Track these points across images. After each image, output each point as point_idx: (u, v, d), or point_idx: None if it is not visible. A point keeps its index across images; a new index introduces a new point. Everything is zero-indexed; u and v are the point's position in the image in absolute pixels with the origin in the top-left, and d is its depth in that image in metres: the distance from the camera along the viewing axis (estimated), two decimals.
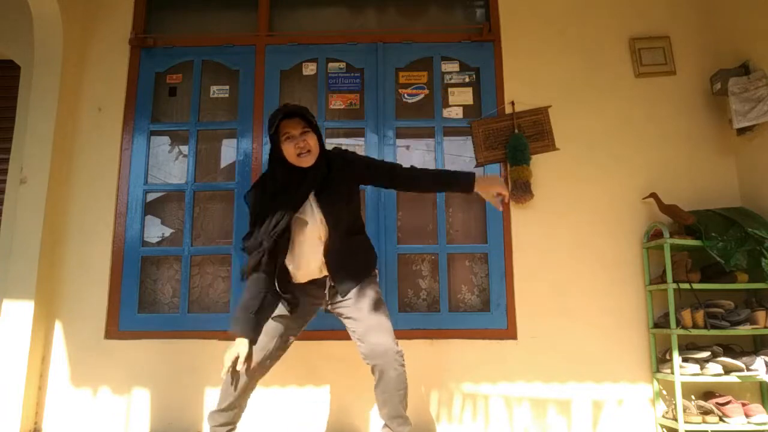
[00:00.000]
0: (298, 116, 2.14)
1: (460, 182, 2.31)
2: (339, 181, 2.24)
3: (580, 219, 3.09)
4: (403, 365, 2.19)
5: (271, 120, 2.16)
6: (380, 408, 2.23)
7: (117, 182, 3.20)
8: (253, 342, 2.14)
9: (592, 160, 3.16)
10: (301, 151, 2.14)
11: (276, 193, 2.21)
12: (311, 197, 2.22)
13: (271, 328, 2.27)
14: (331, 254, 2.24)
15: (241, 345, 2.09)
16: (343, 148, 2.37)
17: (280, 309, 2.29)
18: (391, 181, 2.33)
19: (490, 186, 2.33)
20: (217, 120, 3.38)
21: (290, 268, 2.27)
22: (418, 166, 2.36)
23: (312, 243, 2.23)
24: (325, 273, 2.27)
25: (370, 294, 2.26)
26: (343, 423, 2.88)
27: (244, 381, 2.23)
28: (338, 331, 2.56)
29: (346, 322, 2.29)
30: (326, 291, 2.29)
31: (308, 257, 2.25)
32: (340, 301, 2.28)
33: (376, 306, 2.25)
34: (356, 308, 2.24)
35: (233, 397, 2.26)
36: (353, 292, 2.25)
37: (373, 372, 2.19)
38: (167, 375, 2.95)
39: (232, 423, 2.31)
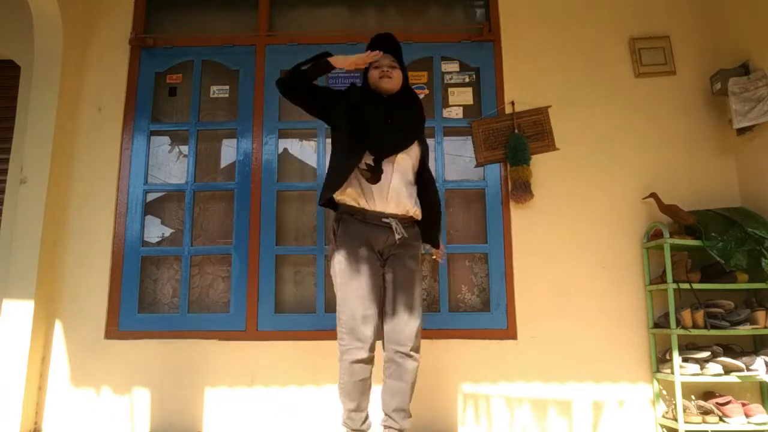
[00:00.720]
0: (391, 52, 2.37)
1: (430, 234, 2.47)
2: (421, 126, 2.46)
3: (580, 219, 3.09)
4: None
5: (368, 46, 2.39)
6: (389, 398, 2.22)
7: (117, 182, 3.20)
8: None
9: (592, 160, 3.16)
10: (383, 74, 2.33)
11: (365, 102, 2.35)
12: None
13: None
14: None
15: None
16: None
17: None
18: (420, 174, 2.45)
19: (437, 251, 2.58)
20: (217, 120, 3.38)
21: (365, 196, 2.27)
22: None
23: (401, 175, 2.30)
24: (402, 210, 2.29)
25: (415, 267, 2.33)
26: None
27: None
28: None
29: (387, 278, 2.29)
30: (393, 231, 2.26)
31: (396, 188, 2.28)
32: (398, 249, 2.29)
33: (416, 284, 2.31)
34: (404, 269, 2.28)
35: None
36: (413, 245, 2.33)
37: (387, 361, 2.23)
38: (167, 375, 2.95)
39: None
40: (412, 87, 2.53)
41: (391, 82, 2.34)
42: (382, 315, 2.25)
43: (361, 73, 2.47)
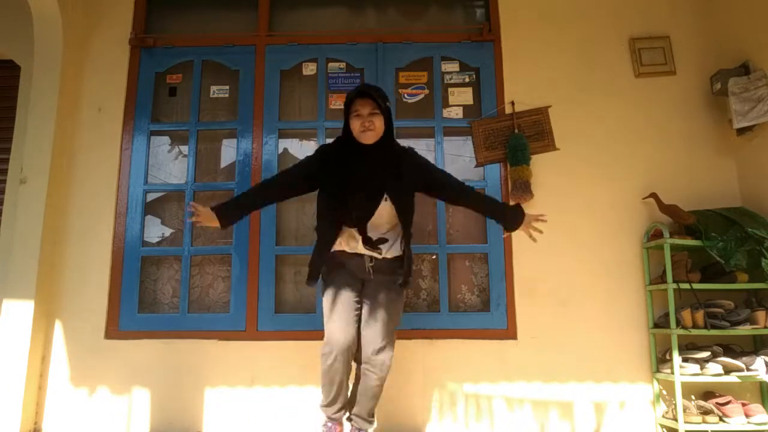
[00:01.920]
0: (369, 97, 2.26)
1: (506, 217, 2.49)
2: (408, 177, 2.36)
3: (580, 219, 3.09)
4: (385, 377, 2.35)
5: (347, 97, 2.31)
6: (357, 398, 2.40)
7: (117, 182, 3.20)
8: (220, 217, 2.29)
9: (591, 160, 3.16)
10: (365, 128, 2.26)
11: (339, 164, 2.33)
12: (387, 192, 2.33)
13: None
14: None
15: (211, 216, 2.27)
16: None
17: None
18: (450, 192, 2.49)
19: (528, 221, 2.50)
20: (217, 120, 3.38)
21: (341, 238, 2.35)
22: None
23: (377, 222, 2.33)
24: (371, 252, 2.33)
25: (394, 297, 2.38)
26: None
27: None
28: None
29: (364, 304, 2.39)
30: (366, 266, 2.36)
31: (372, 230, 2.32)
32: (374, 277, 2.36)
33: (394, 307, 2.38)
34: (376, 295, 2.36)
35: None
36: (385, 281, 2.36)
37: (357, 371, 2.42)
38: (167, 375, 2.95)
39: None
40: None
41: (375, 134, 2.28)
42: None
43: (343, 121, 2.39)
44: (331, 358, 2.26)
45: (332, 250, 2.35)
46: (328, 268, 2.38)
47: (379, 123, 2.28)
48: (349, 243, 2.34)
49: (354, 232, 2.30)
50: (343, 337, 2.26)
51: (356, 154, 2.31)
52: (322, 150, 2.42)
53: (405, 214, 2.34)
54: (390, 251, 2.36)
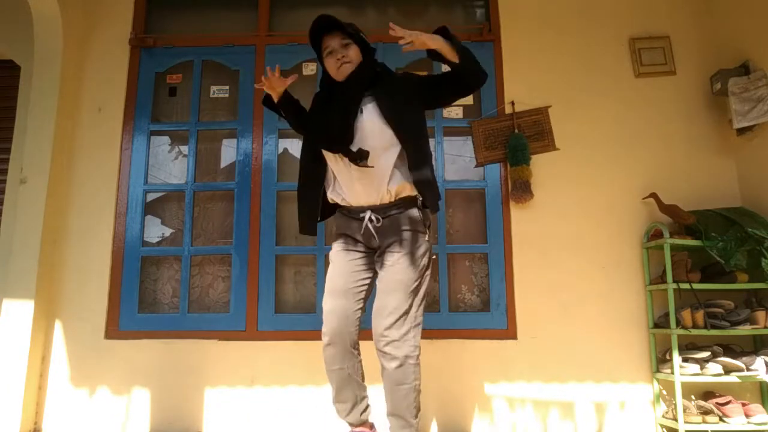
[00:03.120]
0: (336, 29, 2.02)
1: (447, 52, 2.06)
2: (392, 86, 2.08)
3: (580, 219, 3.09)
4: (406, 358, 1.95)
5: (310, 37, 2.06)
6: (386, 401, 2.05)
7: (117, 182, 3.20)
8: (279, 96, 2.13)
9: (592, 160, 3.16)
10: (341, 62, 2.03)
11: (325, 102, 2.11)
12: (368, 103, 2.04)
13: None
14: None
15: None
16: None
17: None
18: (437, 86, 2.13)
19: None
20: (217, 120, 3.38)
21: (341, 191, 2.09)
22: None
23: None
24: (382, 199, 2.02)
25: (408, 251, 2.00)
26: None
27: None
28: None
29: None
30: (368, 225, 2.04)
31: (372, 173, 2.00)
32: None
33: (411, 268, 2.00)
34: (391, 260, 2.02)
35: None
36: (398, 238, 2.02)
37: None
38: (167, 375, 2.95)
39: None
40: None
41: (352, 65, 2.03)
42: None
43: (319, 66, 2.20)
44: (324, 341, 2.01)
45: (327, 199, 2.09)
46: (335, 223, 2.13)
47: (354, 53, 2.05)
48: (337, 189, 2.06)
49: (338, 158, 1.99)
50: (333, 315, 1.99)
51: (340, 92, 2.03)
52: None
53: (398, 124, 1.97)
54: (394, 187, 1.99)
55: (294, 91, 3.39)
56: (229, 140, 3.36)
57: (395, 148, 2.02)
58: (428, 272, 2.08)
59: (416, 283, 2.01)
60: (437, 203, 2.08)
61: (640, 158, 3.15)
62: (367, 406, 2.16)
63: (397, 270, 2.00)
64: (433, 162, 2.22)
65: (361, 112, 2.03)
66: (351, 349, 2.06)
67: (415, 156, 2.01)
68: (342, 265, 2.10)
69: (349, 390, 2.10)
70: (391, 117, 2.00)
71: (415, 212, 2.05)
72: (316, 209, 2.13)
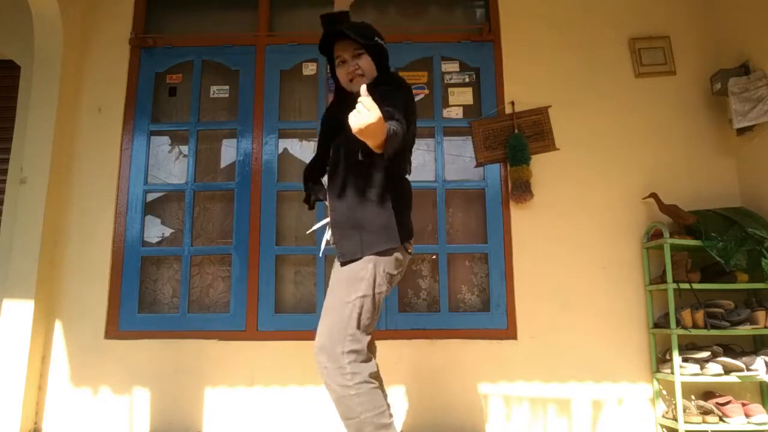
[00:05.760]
0: (347, 37, 1.89)
1: None
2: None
3: (580, 219, 3.09)
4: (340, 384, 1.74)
5: (321, 44, 1.95)
6: None
7: (117, 182, 3.20)
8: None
9: (592, 160, 3.16)
10: (352, 76, 1.92)
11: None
12: None
13: None
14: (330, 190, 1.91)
15: None
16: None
17: None
18: None
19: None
20: (217, 120, 3.38)
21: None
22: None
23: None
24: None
25: (338, 272, 1.90)
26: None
27: None
28: None
29: None
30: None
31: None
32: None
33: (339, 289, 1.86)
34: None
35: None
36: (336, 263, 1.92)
37: None
38: (167, 375, 2.95)
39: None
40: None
41: (365, 78, 1.91)
42: None
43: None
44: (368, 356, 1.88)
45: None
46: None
47: (366, 64, 1.91)
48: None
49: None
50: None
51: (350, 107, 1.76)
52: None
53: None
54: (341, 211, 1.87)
55: (294, 90, 3.42)
56: (229, 140, 3.36)
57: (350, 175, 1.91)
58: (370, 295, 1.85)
59: (346, 299, 1.83)
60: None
61: (640, 158, 3.15)
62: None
63: (331, 286, 1.93)
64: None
65: None
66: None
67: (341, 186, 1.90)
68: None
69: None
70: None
71: (355, 245, 1.88)
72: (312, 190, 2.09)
